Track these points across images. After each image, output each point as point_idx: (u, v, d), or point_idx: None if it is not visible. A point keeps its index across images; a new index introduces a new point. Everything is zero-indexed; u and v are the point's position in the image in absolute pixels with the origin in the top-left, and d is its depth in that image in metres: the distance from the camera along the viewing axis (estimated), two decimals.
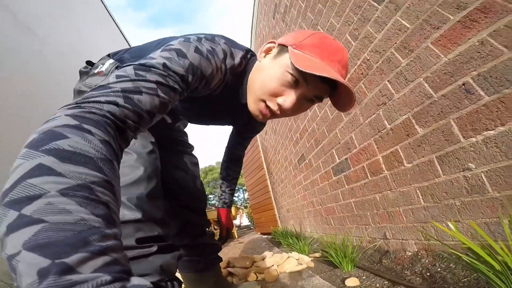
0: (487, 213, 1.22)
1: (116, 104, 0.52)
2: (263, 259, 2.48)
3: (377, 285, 1.48)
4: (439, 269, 1.42)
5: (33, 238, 0.30)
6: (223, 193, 1.72)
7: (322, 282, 1.67)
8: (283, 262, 2.31)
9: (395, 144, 1.70)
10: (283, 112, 0.89)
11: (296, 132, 3.72)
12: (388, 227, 1.94)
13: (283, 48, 0.88)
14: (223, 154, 1.70)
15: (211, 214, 6.40)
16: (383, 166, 1.86)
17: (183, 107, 1.19)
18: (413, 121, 1.53)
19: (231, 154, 1.67)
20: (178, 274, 2.61)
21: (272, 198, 6.25)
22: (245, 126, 1.44)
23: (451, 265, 1.39)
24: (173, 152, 1.51)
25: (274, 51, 0.92)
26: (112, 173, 0.42)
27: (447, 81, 1.31)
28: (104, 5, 4.88)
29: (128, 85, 0.56)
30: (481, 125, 1.18)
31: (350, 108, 0.87)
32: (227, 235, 1.75)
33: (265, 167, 6.61)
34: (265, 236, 6.12)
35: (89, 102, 0.49)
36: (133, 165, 0.99)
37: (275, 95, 0.86)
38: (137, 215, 0.92)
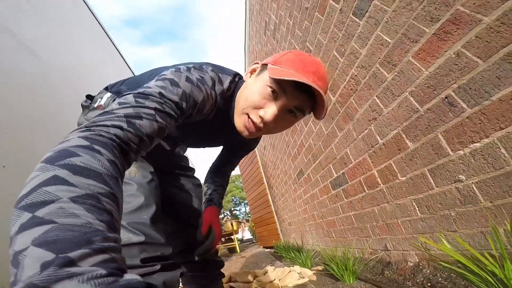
0: (482, 222, 1.22)
1: (120, 128, 0.57)
2: (265, 273, 2.44)
3: None
4: (440, 279, 1.41)
5: (42, 236, 0.33)
6: (209, 193, 1.56)
7: None
8: (284, 276, 2.28)
9: (389, 159, 1.71)
10: (266, 125, 0.91)
11: (294, 147, 3.73)
12: (389, 239, 1.94)
13: (264, 66, 0.94)
14: (208, 171, 1.64)
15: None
16: (378, 180, 1.88)
17: (180, 133, 1.23)
18: (403, 135, 1.55)
19: (218, 171, 1.63)
20: None
21: (274, 212, 6.22)
22: (238, 144, 1.46)
23: (452, 275, 1.38)
24: (175, 176, 1.55)
25: (258, 70, 0.97)
26: (116, 188, 0.47)
27: (431, 95, 1.33)
28: (101, 26, 4.94)
29: (130, 111, 0.61)
30: (467, 138, 1.20)
31: (323, 114, 0.89)
32: (208, 233, 1.50)
33: (265, 181, 6.60)
34: (268, 250, 6.06)
35: (97, 125, 0.54)
36: (134, 194, 1.06)
37: (257, 107, 0.90)
38: (141, 238, 0.97)
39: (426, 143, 1.41)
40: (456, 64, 1.19)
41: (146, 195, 1.08)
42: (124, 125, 0.58)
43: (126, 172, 0.97)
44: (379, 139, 1.78)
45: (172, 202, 1.47)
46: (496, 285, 0.90)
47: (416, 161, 1.50)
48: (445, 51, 1.22)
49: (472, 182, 1.22)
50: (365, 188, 2.07)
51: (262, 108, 0.89)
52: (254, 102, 0.89)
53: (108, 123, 0.56)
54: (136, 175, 1.12)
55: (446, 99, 1.26)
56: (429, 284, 1.42)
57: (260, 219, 7.38)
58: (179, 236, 1.52)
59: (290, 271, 2.34)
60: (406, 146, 1.55)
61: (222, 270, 1.69)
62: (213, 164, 1.64)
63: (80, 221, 0.36)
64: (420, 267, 1.63)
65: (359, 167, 2.08)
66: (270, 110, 0.88)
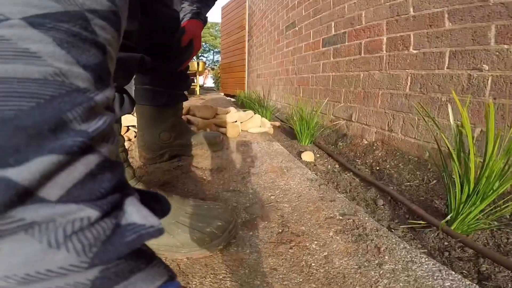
0: (468, 117, 1.18)
1: None
2: (227, 113, 2.08)
3: (329, 166, 1.45)
4: (388, 165, 1.41)
5: None
6: (196, 6, 1.21)
7: (281, 149, 1.55)
8: (247, 119, 2.03)
9: (410, 30, 1.51)
10: None
11: None
12: (358, 108, 1.90)
13: None
14: None
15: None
16: (384, 46, 1.69)
17: None
18: (446, 15, 1.31)
19: None
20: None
21: (246, 60, 5.96)
22: None
23: (400, 164, 1.39)
24: None
25: None
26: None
27: None
28: None
29: None
30: None
31: None
32: (188, 46, 1.16)
33: (246, 28, 6.05)
34: (229, 98, 5.93)
35: None
36: None
37: None
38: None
39: (470, 28, 1.21)
40: None
41: None
42: None
43: None
44: (411, 10, 1.53)
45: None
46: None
47: (443, 40, 1.32)
48: None
49: (491, 75, 1.12)
50: (362, 52, 1.90)
51: None
52: None
53: None
54: None
55: None
56: (377, 168, 1.41)
57: (229, 65, 7.05)
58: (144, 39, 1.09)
59: (253, 116, 2.09)
60: (441, 24, 1.33)
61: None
62: None
63: (42, 69, 0.17)
64: (374, 147, 1.63)
65: (368, 31, 1.86)
66: None
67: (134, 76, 1.19)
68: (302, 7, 3.02)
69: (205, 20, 1.23)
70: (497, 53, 1.11)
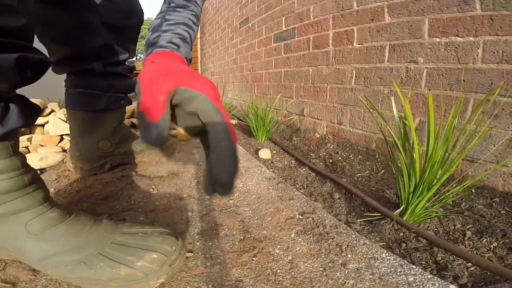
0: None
1: None
2: None
3: (286, 162, 1.44)
4: (340, 158, 1.43)
5: None
6: (157, 37, 0.69)
7: (238, 148, 1.54)
8: None
9: (354, 25, 1.54)
10: None
11: None
12: (309, 103, 1.92)
13: None
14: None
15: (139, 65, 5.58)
16: (330, 41, 1.72)
17: None
18: (386, 9, 1.35)
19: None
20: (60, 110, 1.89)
21: (199, 58, 5.84)
22: None
23: (351, 156, 1.42)
24: None
25: None
26: None
27: None
28: None
29: None
30: (454, 31, 1.07)
31: None
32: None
33: (199, 26, 5.95)
34: None
35: None
36: None
37: None
38: None
39: (406, 22, 1.25)
40: None
41: None
42: None
43: None
44: (355, 5, 1.55)
45: None
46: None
47: (383, 34, 1.36)
48: None
49: (426, 67, 1.16)
50: (311, 47, 1.91)
51: None
52: None
53: None
54: None
55: None
56: (330, 161, 1.42)
57: None
58: (86, 34, 0.94)
59: None
60: (382, 18, 1.37)
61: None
62: None
63: None
64: (326, 140, 1.66)
65: (315, 26, 1.88)
66: None
67: (65, 78, 1.05)
68: (255, 2, 3.00)
69: (178, 47, 0.65)
70: (430, 46, 1.16)
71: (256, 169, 1.18)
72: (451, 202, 0.92)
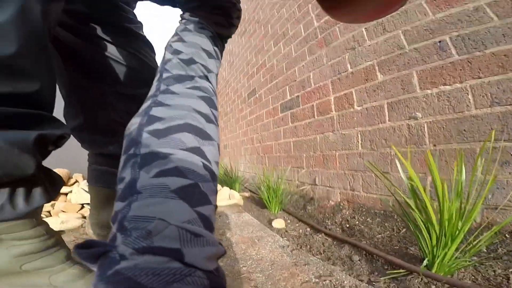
0: (416, 167, 1.29)
1: None
2: None
3: (300, 230, 1.52)
4: (357, 222, 1.49)
5: None
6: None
7: (251, 219, 1.67)
8: None
9: (351, 87, 1.70)
10: None
11: (253, 66, 3.61)
12: (320, 172, 2.00)
13: None
14: None
15: None
16: (332, 106, 1.87)
17: None
18: (376, 67, 1.54)
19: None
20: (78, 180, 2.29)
21: None
22: None
23: (368, 219, 1.47)
24: (121, 32, 1.05)
25: None
26: None
27: (425, 37, 1.31)
28: None
29: None
30: (441, 80, 1.21)
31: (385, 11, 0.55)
32: None
33: None
34: None
35: None
36: None
37: None
38: None
39: (397, 77, 1.41)
40: (469, 16, 1.16)
41: None
42: None
43: None
44: (349, 67, 1.74)
45: (111, 65, 1.00)
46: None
47: (379, 93, 1.50)
48: (466, 3, 1.18)
49: (426, 122, 1.26)
50: (315, 114, 2.07)
51: None
52: None
53: None
54: None
55: (439, 43, 1.25)
56: (347, 226, 1.48)
57: None
58: (108, 107, 1.03)
59: (221, 189, 2.30)
60: (375, 77, 1.53)
61: None
62: None
63: None
64: (341, 207, 1.71)
65: (317, 92, 2.06)
66: None
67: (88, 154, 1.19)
68: (260, 73, 3.31)
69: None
70: (424, 99, 1.28)
71: (269, 238, 1.28)
72: (485, 249, 0.95)
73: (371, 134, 1.55)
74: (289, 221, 1.71)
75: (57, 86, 0.70)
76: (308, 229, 1.52)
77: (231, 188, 2.73)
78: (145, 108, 0.50)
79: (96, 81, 0.99)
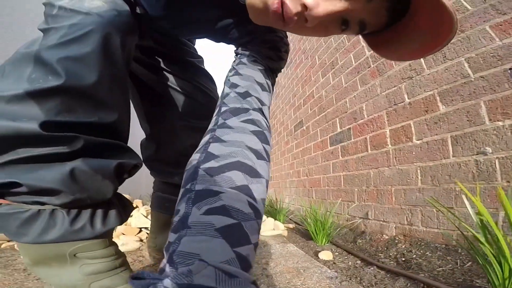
0: (486, 202, 1.21)
1: None
2: None
3: (350, 263, 1.47)
4: (414, 255, 1.42)
5: None
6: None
7: (297, 250, 1.65)
8: None
9: (409, 119, 1.65)
10: (298, 22, 0.57)
11: (300, 97, 3.64)
12: (373, 206, 1.93)
13: None
14: None
15: None
16: (388, 140, 1.82)
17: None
18: (438, 98, 1.49)
19: None
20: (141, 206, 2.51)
21: None
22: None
23: (427, 253, 1.40)
24: (185, 66, 1.15)
25: None
26: None
27: (492, 64, 1.26)
28: None
29: None
30: None
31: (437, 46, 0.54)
32: None
33: None
34: None
35: None
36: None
37: None
38: (60, 81, 0.56)
39: (462, 108, 1.35)
40: None
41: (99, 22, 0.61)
42: None
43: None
44: (406, 97, 1.70)
45: (174, 97, 1.09)
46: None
47: (442, 125, 1.44)
48: None
49: (497, 157, 1.18)
50: (369, 148, 2.02)
51: None
52: None
53: None
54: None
55: (510, 71, 1.19)
56: (403, 259, 1.42)
57: None
58: (173, 141, 1.14)
59: (265, 220, 2.34)
60: (436, 108, 1.48)
61: None
62: None
63: None
64: (396, 241, 1.64)
65: (370, 124, 2.03)
66: (326, 5, 0.54)
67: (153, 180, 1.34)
68: (307, 105, 3.33)
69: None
70: (495, 132, 1.20)
71: (316, 269, 1.25)
72: None
73: (432, 170, 1.48)
74: (337, 253, 1.67)
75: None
76: (358, 261, 1.48)
77: (275, 219, 2.72)
78: (204, 144, 0.57)
79: (167, 113, 1.10)
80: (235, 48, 0.82)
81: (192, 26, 0.83)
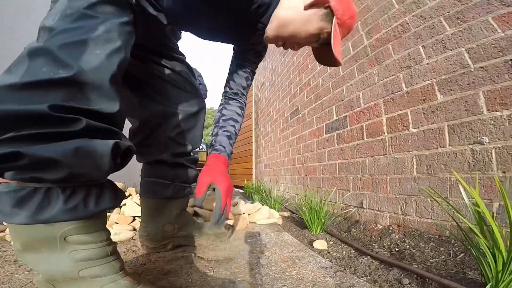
0: (481, 193, 1.21)
1: None
2: (235, 205, 2.41)
3: (344, 252, 1.48)
4: (408, 246, 1.43)
5: None
6: (215, 136, 1.23)
7: (291, 239, 1.67)
8: (255, 211, 2.29)
9: (406, 108, 1.64)
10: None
11: (297, 85, 3.61)
12: (368, 195, 1.93)
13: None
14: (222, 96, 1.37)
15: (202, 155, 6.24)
16: (384, 128, 1.82)
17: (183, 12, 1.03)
18: (436, 87, 1.48)
19: (227, 89, 1.33)
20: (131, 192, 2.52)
21: (253, 150, 6.23)
22: (248, 46, 1.25)
23: (421, 244, 1.41)
24: (167, 58, 1.31)
25: None
26: None
27: (493, 55, 1.25)
28: None
29: None
30: None
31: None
32: (224, 212, 1.02)
33: (253, 117, 6.55)
34: (237, 189, 6.19)
35: None
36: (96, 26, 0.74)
37: None
38: (71, 72, 0.65)
39: (460, 98, 1.34)
40: None
41: (112, 31, 0.75)
42: None
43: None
44: (404, 86, 1.69)
45: (160, 87, 1.28)
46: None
47: (439, 114, 1.43)
48: None
49: (494, 147, 1.18)
50: (365, 136, 2.01)
51: None
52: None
53: None
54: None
55: (510, 61, 1.18)
56: (396, 249, 1.43)
57: (237, 155, 7.42)
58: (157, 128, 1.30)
59: (260, 208, 2.36)
60: (434, 97, 1.47)
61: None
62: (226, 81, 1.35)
63: None
64: (390, 231, 1.64)
65: (367, 112, 2.01)
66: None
67: (141, 168, 1.42)
68: (304, 93, 3.31)
69: (226, 151, 1.18)
70: (493, 122, 1.20)
71: (310, 259, 1.28)
72: None
73: (428, 159, 1.48)
74: (331, 242, 1.68)
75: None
76: (353, 251, 1.49)
77: (270, 207, 2.73)
78: (220, 109, 1.31)
79: (161, 99, 1.30)
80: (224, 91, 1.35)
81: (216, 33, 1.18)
